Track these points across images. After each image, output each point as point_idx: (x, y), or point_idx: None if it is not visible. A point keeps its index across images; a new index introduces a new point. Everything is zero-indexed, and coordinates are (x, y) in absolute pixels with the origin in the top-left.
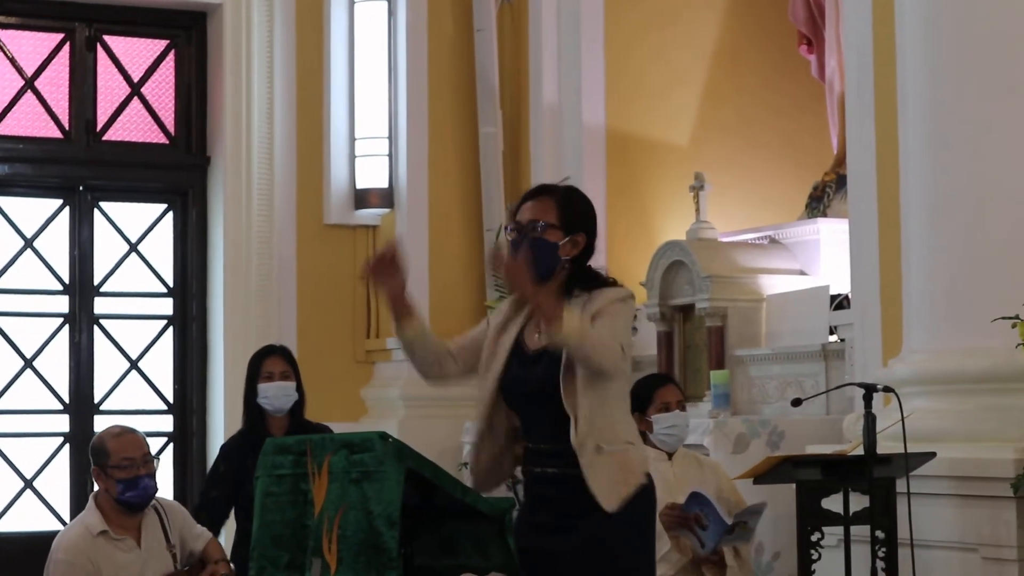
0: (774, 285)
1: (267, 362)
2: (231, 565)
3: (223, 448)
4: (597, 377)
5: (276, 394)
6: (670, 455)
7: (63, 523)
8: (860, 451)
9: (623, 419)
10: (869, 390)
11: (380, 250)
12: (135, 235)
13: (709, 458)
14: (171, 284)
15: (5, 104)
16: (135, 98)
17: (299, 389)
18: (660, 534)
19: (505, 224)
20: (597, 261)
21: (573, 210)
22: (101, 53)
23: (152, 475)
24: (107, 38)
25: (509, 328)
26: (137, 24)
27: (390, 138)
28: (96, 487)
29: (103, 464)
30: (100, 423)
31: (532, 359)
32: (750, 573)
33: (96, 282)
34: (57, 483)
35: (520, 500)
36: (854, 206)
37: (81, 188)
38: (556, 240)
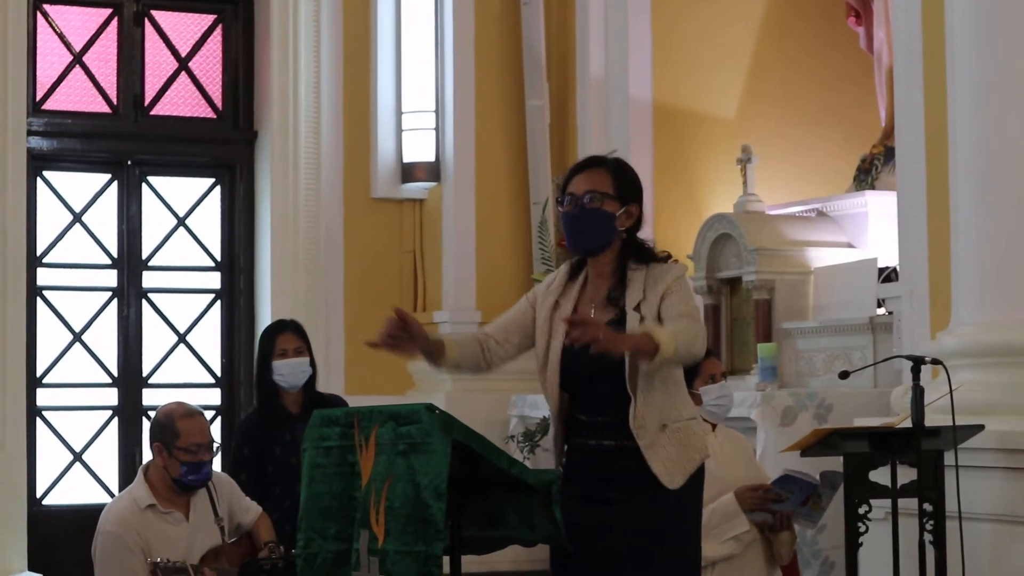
0: (822, 258)
1: (280, 339)
2: (281, 548)
3: (242, 429)
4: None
5: (291, 371)
6: (714, 427)
7: (112, 496)
8: (908, 424)
9: (682, 394)
10: (917, 363)
11: (388, 322)
12: (183, 209)
13: (738, 433)
14: (219, 258)
15: (54, 79)
16: (183, 73)
17: (312, 363)
18: (732, 515)
19: (556, 197)
20: (644, 234)
21: (627, 181)
22: (149, 28)
23: (211, 461)
24: (155, 13)
25: (562, 304)
26: (184, 0)
27: (437, 112)
28: (147, 460)
29: (169, 443)
30: (148, 396)
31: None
32: (789, 551)
33: (144, 256)
34: (106, 456)
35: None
36: (902, 178)
37: (129, 163)
38: (613, 211)
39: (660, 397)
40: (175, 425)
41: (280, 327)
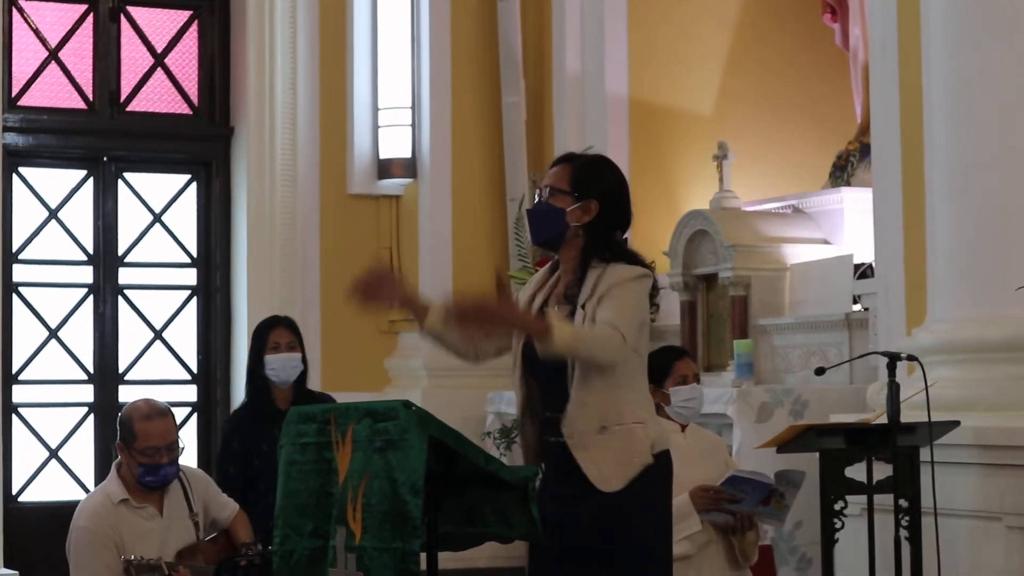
0: (798, 254)
1: (273, 333)
2: (259, 546)
3: (231, 423)
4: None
5: (283, 365)
6: (683, 427)
7: (88, 492)
8: (884, 420)
9: (634, 397)
10: (893, 359)
11: (369, 271)
12: (159, 206)
13: (714, 434)
14: (195, 254)
15: (29, 75)
16: (159, 69)
17: (304, 360)
18: (686, 515)
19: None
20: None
21: (588, 177)
22: (125, 24)
23: (174, 461)
24: (130, 9)
25: (537, 297)
26: None
27: (413, 108)
28: (119, 456)
29: (128, 443)
30: (124, 393)
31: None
32: (754, 550)
33: (120, 252)
34: (82, 453)
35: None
36: (878, 175)
37: (105, 159)
38: (563, 206)
39: (600, 398)
40: (134, 427)
41: (274, 322)
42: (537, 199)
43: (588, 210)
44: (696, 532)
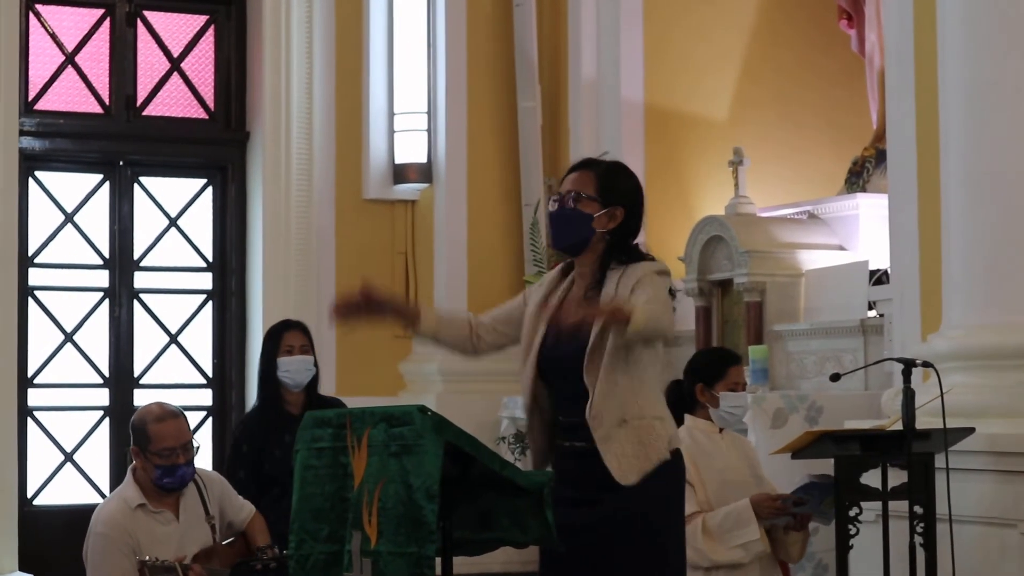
0: (813, 260)
1: (287, 336)
2: (275, 549)
3: (241, 427)
4: (645, 345)
5: (297, 368)
6: (721, 430)
7: (103, 496)
8: (899, 426)
9: (652, 393)
10: (908, 365)
11: (346, 295)
12: (175, 210)
13: (744, 436)
14: (210, 259)
15: (46, 79)
16: (175, 73)
17: (316, 363)
18: (745, 522)
19: (549, 197)
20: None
21: (613, 184)
22: (141, 28)
23: (190, 461)
24: (147, 13)
25: (550, 302)
26: (177, 0)
27: (429, 113)
28: (135, 461)
29: (143, 446)
30: (140, 397)
31: (567, 335)
32: (800, 550)
33: (136, 256)
34: (97, 456)
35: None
36: (894, 181)
37: (121, 163)
38: (591, 212)
39: (622, 392)
40: (147, 429)
41: (286, 325)
42: (556, 204)
43: (614, 216)
44: (753, 540)
